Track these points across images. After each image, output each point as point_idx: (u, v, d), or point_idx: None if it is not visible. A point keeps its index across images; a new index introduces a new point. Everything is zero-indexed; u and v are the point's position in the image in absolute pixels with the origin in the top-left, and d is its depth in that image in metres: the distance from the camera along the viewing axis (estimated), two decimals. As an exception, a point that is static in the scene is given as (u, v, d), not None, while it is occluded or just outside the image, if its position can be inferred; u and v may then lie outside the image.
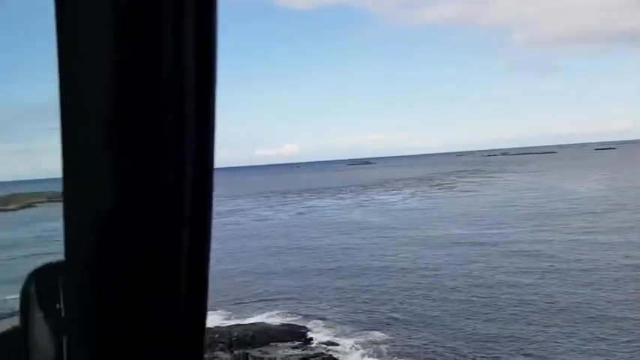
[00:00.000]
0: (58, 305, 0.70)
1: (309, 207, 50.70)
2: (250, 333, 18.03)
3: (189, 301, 0.46)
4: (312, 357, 16.51)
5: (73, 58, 0.42)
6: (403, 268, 25.01)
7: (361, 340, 17.37)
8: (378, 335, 17.53)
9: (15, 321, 0.83)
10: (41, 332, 0.85)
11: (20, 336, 0.86)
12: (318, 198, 58.50)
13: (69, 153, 0.43)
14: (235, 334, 17.96)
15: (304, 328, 18.91)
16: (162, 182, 0.44)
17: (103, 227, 0.43)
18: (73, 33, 0.43)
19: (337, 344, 17.35)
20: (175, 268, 0.45)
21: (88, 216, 0.42)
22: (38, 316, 0.85)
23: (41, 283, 0.86)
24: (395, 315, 19.15)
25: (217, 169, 0.52)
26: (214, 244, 0.51)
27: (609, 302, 18.72)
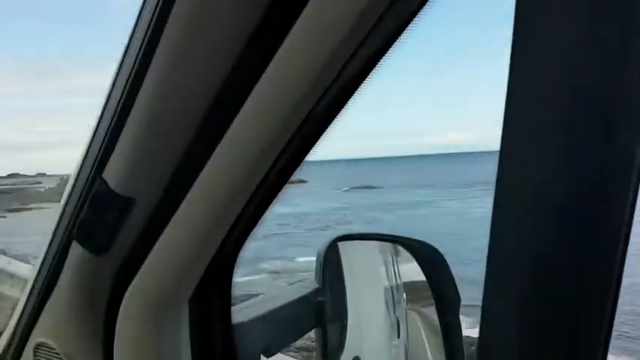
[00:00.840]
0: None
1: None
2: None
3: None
4: None
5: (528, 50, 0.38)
6: None
7: None
8: None
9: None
10: (333, 296, 1.20)
11: (317, 295, 1.14)
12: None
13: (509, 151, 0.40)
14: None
15: None
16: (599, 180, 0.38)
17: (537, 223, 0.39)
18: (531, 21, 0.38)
19: None
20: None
21: (520, 209, 0.39)
22: (330, 281, 1.19)
23: (332, 252, 1.23)
24: None
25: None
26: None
27: None
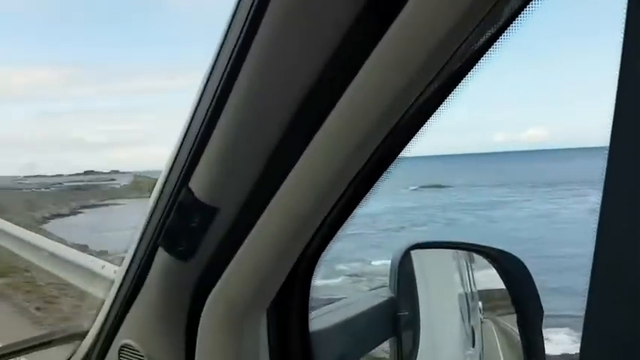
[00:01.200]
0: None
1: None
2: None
3: None
4: None
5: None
6: None
7: None
8: None
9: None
10: (407, 305, 1.18)
11: (392, 305, 1.15)
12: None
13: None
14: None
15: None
16: None
17: None
18: None
19: None
20: None
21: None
22: (404, 289, 1.19)
23: (407, 261, 1.21)
24: None
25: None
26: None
27: None
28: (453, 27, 0.45)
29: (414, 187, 39.34)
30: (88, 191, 43.22)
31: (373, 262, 14.36)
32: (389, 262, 1.22)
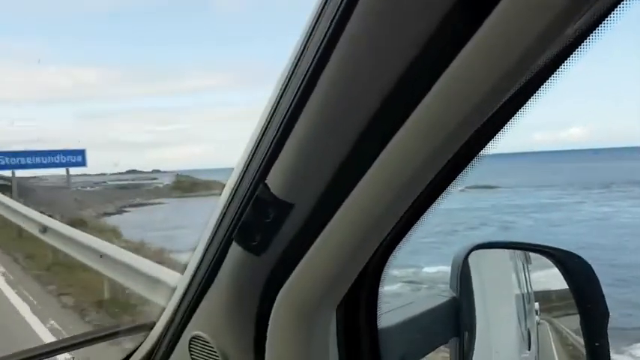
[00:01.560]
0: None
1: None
2: None
3: None
4: None
5: None
6: None
7: None
8: None
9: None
10: (467, 306, 1.16)
11: (453, 305, 1.14)
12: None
13: None
14: None
15: None
16: None
17: None
18: None
19: None
20: None
21: None
22: (464, 290, 1.16)
23: (469, 261, 1.18)
24: None
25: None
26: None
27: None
28: (546, 27, 0.44)
29: (461, 188, 38.19)
30: (131, 190, 43.89)
31: (429, 268, 13.72)
32: (445, 267, 1.21)
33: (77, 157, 18.80)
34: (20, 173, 19.70)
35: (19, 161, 18.31)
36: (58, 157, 18.57)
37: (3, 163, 18.14)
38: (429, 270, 13.59)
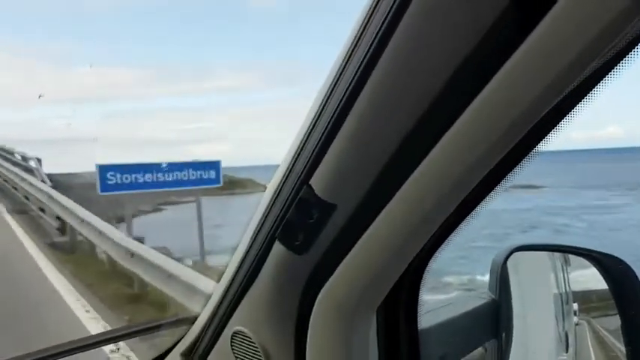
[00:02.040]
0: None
1: None
2: None
3: None
4: None
5: None
6: None
7: None
8: None
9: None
10: (505, 307, 1.18)
11: (492, 306, 1.16)
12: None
13: None
14: None
15: None
16: None
17: None
18: None
19: None
20: None
21: None
22: (503, 291, 1.18)
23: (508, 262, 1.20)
24: None
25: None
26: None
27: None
28: (604, 26, 0.43)
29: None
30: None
31: (479, 277, 13.20)
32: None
33: (210, 171, 13.74)
34: (49, 167, 15.43)
35: (135, 179, 12.97)
36: (186, 173, 13.66)
37: (113, 182, 12.42)
38: (484, 278, 12.95)
